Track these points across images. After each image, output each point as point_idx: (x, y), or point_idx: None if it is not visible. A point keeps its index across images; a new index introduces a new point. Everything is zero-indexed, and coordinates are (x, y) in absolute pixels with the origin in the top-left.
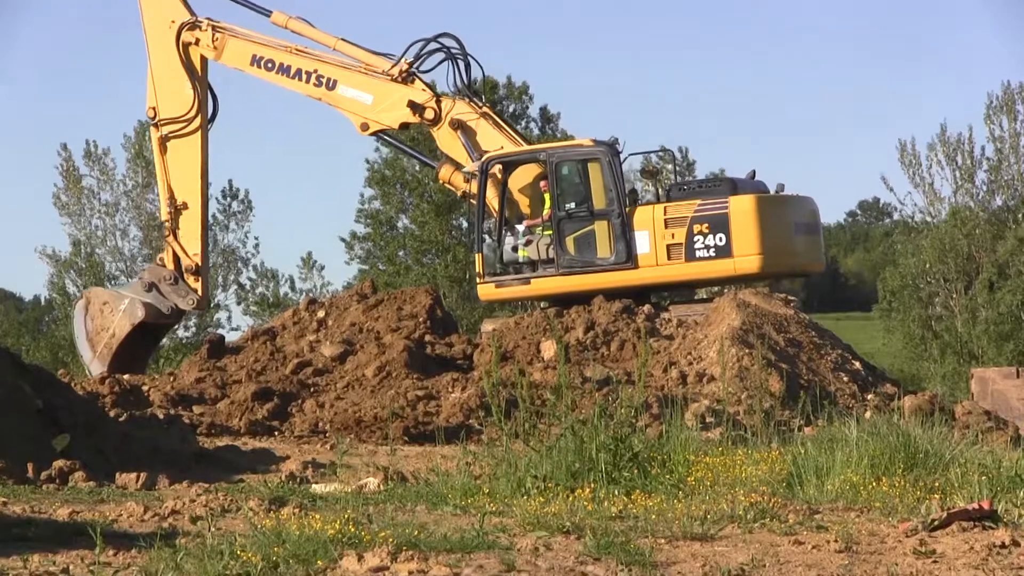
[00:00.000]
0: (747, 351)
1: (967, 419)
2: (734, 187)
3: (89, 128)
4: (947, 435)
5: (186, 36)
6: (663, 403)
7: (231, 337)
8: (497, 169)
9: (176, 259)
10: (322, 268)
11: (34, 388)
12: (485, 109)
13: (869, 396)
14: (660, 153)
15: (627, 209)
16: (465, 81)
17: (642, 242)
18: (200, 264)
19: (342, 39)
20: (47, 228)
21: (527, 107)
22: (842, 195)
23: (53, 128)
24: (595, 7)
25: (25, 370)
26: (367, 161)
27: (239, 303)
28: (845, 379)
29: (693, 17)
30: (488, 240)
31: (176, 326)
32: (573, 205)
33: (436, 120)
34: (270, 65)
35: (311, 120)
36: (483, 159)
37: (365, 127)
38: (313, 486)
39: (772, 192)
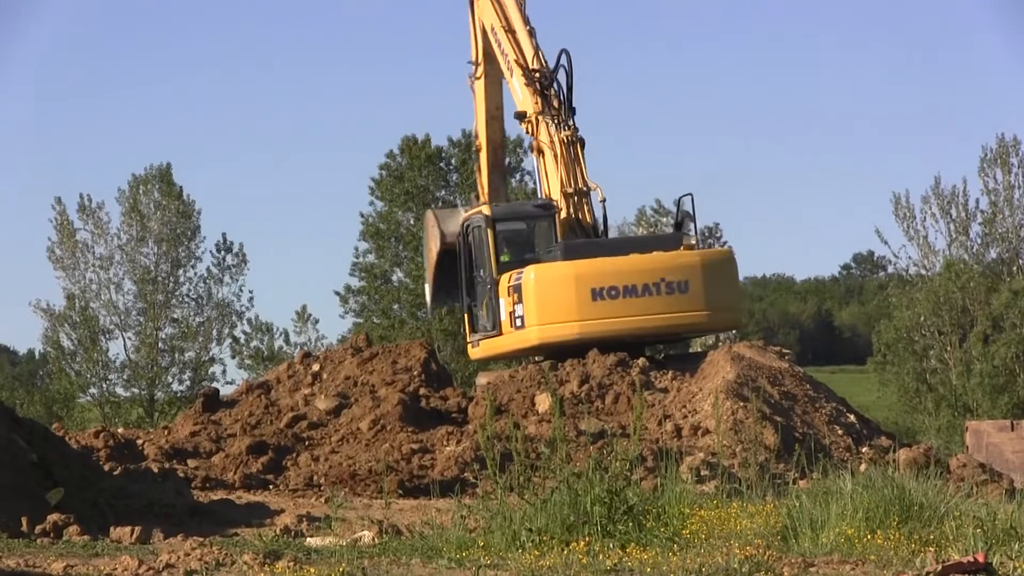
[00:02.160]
0: (742, 404)
1: (962, 472)
2: (565, 251)
3: (83, 182)
4: (942, 488)
5: None
6: (658, 456)
7: (225, 391)
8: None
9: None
10: (316, 321)
11: (28, 442)
12: (566, 135)
13: (864, 449)
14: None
15: (495, 276)
16: (562, 101)
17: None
18: (482, 198)
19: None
20: (41, 282)
21: (521, 160)
22: (836, 248)
23: (47, 181)
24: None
25: (19, 424)
26: (361, 215)
27: (233, 357)
28: (840, 432)
29: (681, 66)
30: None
31: None
32: (481, 271)
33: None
34: (494, 35)
35: (305, 172)
36: (464, 222)
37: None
38: (308, 540)
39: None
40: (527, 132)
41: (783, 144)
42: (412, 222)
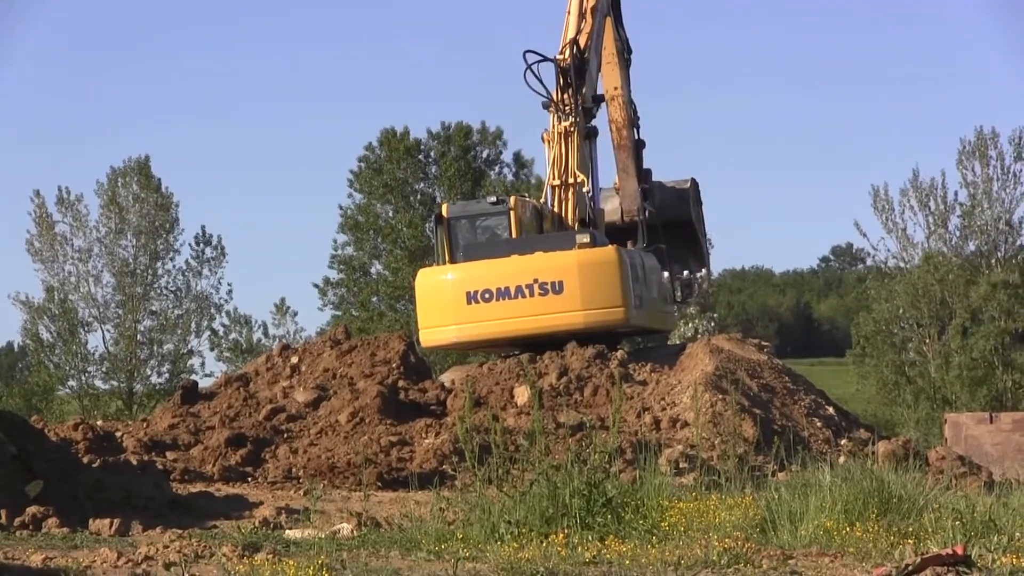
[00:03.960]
0: (720, 397)
1: (941, 464)
2: (466, 252)
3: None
4: (921, 480)
5: None
6: (637, 449)
7: (204, 383)
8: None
9: None
10: (295, 314)
11: (7, 435)
12: (565, 126)
13: (843, 441)
14: None
15: None
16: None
17: None
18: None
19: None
20: (20, 274)
21: (501, 152)
22: (815, 241)
23: (26, 174)
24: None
25: None
26: (340, 207)
27: (212, 349)
28: (819, 424)
29: (662, 60)
30: None
31: None
32: None
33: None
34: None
35: (284, 165)
36: (443, 210)
37: None
38: (287, 532)
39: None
40: None
41: (762, 136)
42: (391, 214)
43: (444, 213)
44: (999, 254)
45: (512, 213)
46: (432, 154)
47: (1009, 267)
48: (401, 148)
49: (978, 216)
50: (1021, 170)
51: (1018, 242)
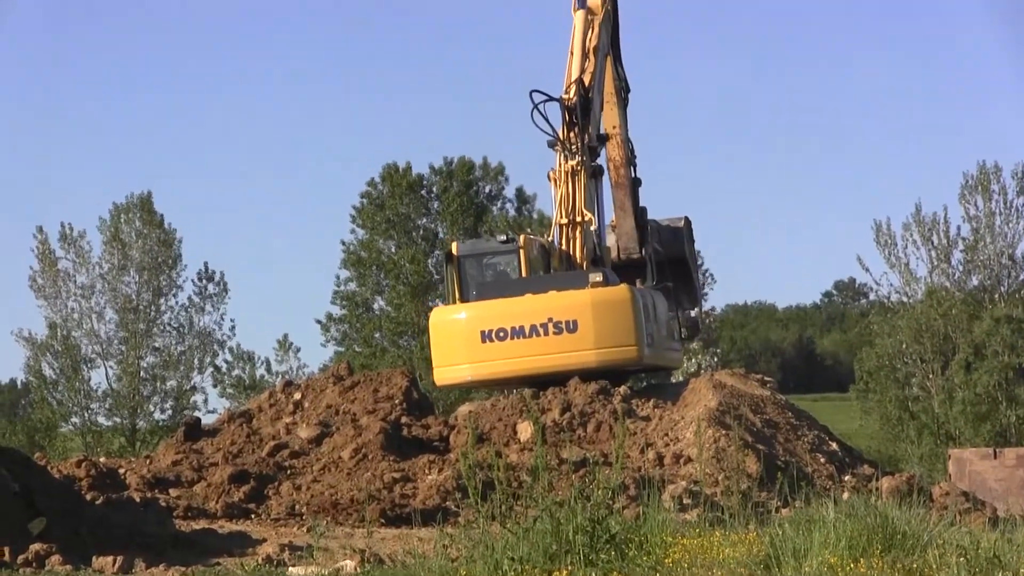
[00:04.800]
0: (724, 432)
1: (945, 500)
2: (480, 291)
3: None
4: (925, 516)
5: None
6: (640, 484)
7: (207, 420)
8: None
9: None
10: (298, 350)
11: (10, 471)
12: (571, 165)
13: (846, 477)
14: None
15: None
16: (569, 132)
17: None
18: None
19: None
20: (23, 311)
21: (503, 188)
22: (818, 275)
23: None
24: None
25: (1, 453)
26: (343, 243)
27: (215, 386)
28: (822, 460)
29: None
30: None
31: None
32: None
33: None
34: None
35: (287, 201)
36: (452, 249)
37: None
38: (290, 569)
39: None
40: None
41: (764, 171)
42: (393, 250)
43: (454, 251)
44: (1002, 289)
45: (522, 252)
46: (434, 189)
47: (1012, 302)
48: (403, 184)
49: (981, 251)
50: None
51: (1021, 276)
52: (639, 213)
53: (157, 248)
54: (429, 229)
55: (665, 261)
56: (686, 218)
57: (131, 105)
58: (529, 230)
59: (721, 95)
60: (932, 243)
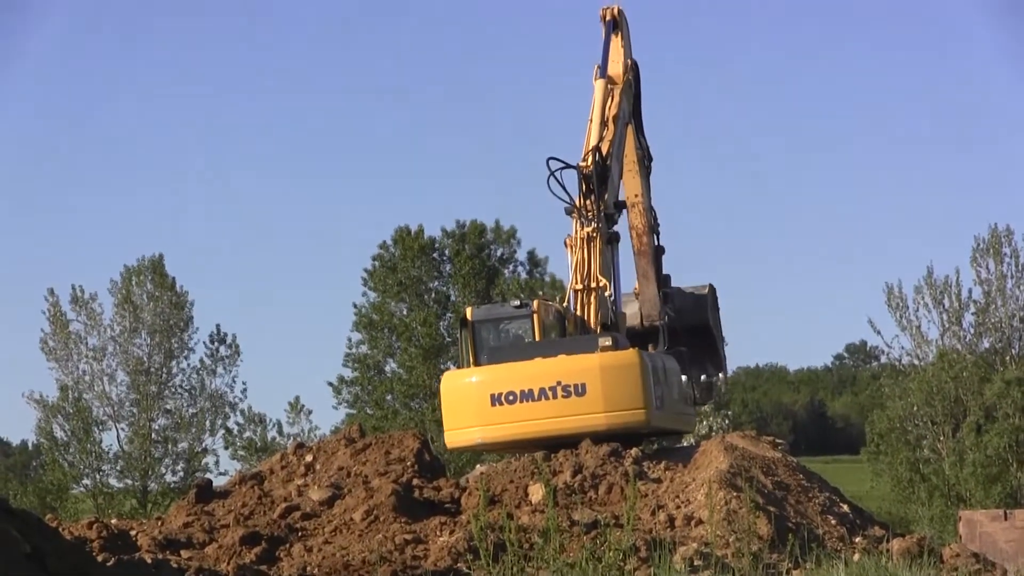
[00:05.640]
0: (735, 494)
1: (955, 562)
2: (490, 355)
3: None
4: None
5: None
6: (651, 546)
7: (219, 482)
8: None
9: None
10: (310, 412)
11: (21, 533)
12: (588, 231)
13: (857, 539)
14: None
15: None
16: (585, 199)
17: None
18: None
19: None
20: (35, 373)
21: (515, 251)
22: (829, 338)
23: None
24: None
25: (12, 515)
26: (355, 305)
27: (227, 448)
28: (833, 522)
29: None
30: None
31: None
32: None
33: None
34: None
35: (298, 263)
36: (467, 314)
37: None
38: None
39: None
40: None
41: (775, 234)
42: (405, 312)
43: (469, 317)
44: (1013, 351)
45: (535, 316)
46: (446, 252)
47: (1023, 364)
48: (415, 246)
49: (992, 313)
50: None
51: None
52: (662, 280)
53: (169, 310)
54: (441, 292)
55: (679, 327)
56: (710, 286)
57: (142, 167)
58: (542, 293)
59: (731, 155)
60: (943, 306)
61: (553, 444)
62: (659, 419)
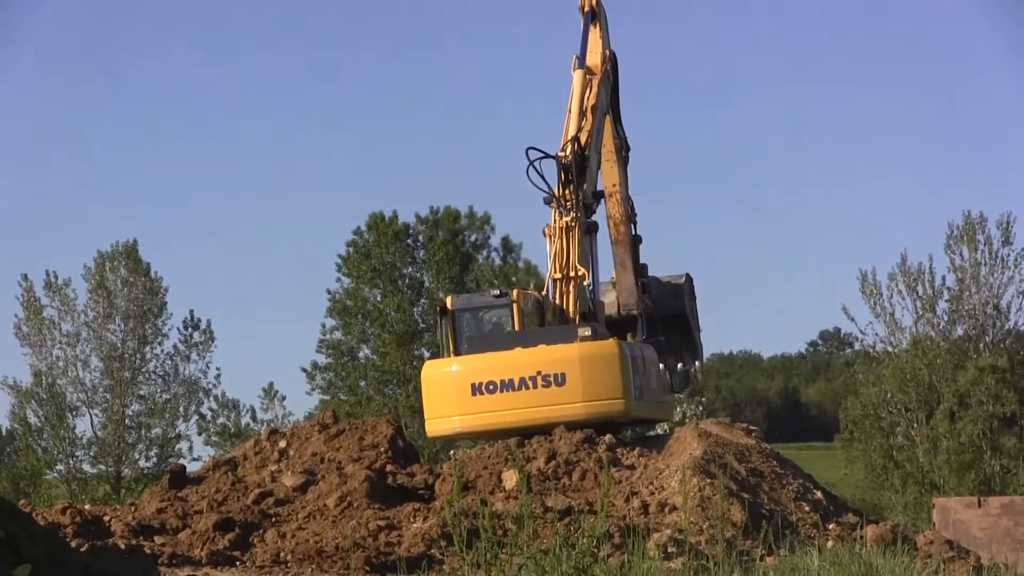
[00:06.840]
0: (709, 481)
1: (929, 549)
2: (469, 344)
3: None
4: (909, 565)
5: None
6: (625, 533)
7: (192, 467)
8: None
9: None
10: (283, 398)
11: None
12: (566, 221)
13: (831, 526)
14: None
15: None
16: (564, 189)
17: None
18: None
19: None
20: (8, 359)
21: (489, 237)
22: (803, 325)
23: (13, 258)
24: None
25: None
26: (328, 292)
27: (200, 433)
28: (807, 509)
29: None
30: None
31: None
32: None
33: None
34: None
35: (272, 249)
36: (447, 303)
37: None
38: None
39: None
40: None
41: (749, 221)
42: (379, 299)
43: (448, 306)
44: (987, 338)
45: (515, 306)
46: (420, 238)
47: (997, 351)
48: (389, 232)
49: (966, 301)
50: (1009, 254)
51: (1006, 326)
52: (639, 270)
53: (143, 296)
54: (415, 278)
55: (657, 316)
56: (687, 275)
57: (116, 153)
58: (516, 279)
59: (704, 147)
60: (917, 293)
61: (533, 433)
62: (638, 409)
